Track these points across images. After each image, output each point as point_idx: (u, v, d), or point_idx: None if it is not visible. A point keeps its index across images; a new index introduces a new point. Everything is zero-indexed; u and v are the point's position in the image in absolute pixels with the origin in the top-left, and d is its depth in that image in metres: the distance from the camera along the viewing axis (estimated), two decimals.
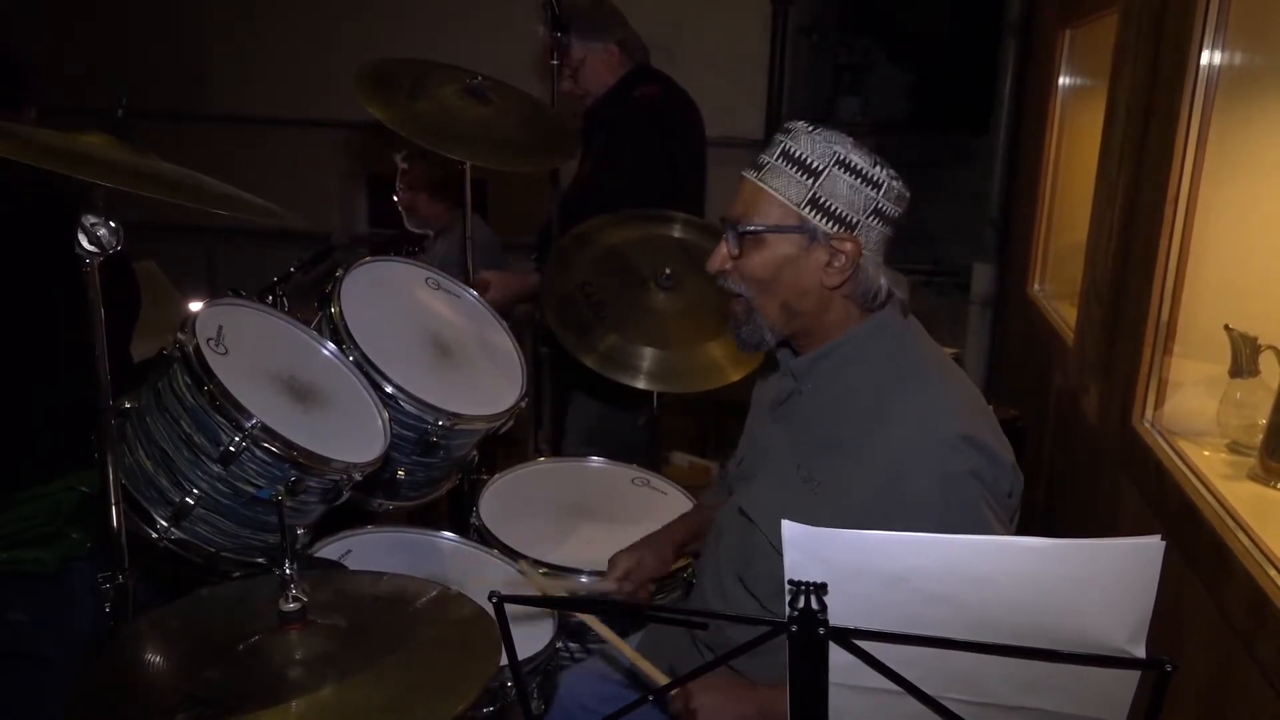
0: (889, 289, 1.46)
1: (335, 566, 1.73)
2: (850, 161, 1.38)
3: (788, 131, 1.42)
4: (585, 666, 1.77)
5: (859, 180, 1.39)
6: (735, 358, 2.38)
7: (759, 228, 1.42)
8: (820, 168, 1.38)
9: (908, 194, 1.44)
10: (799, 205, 1.39)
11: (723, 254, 1.47)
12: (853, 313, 1.47)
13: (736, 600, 1.54)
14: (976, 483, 1.35)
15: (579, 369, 2.40)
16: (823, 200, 1.39)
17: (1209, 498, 1.57)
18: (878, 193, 1.40)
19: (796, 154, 1.39)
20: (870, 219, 1.40)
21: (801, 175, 1.39)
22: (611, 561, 1.74)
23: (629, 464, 2.33)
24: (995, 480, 1.37)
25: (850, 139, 1.41)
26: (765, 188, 1.41)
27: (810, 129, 1.41)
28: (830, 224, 1.39)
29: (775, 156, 1.41)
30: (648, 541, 1.78)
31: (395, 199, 3.45)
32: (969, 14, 6.00)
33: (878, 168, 1.40)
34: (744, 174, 1.46)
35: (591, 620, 1.65)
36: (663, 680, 1.49)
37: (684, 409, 3.40)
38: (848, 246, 1.40)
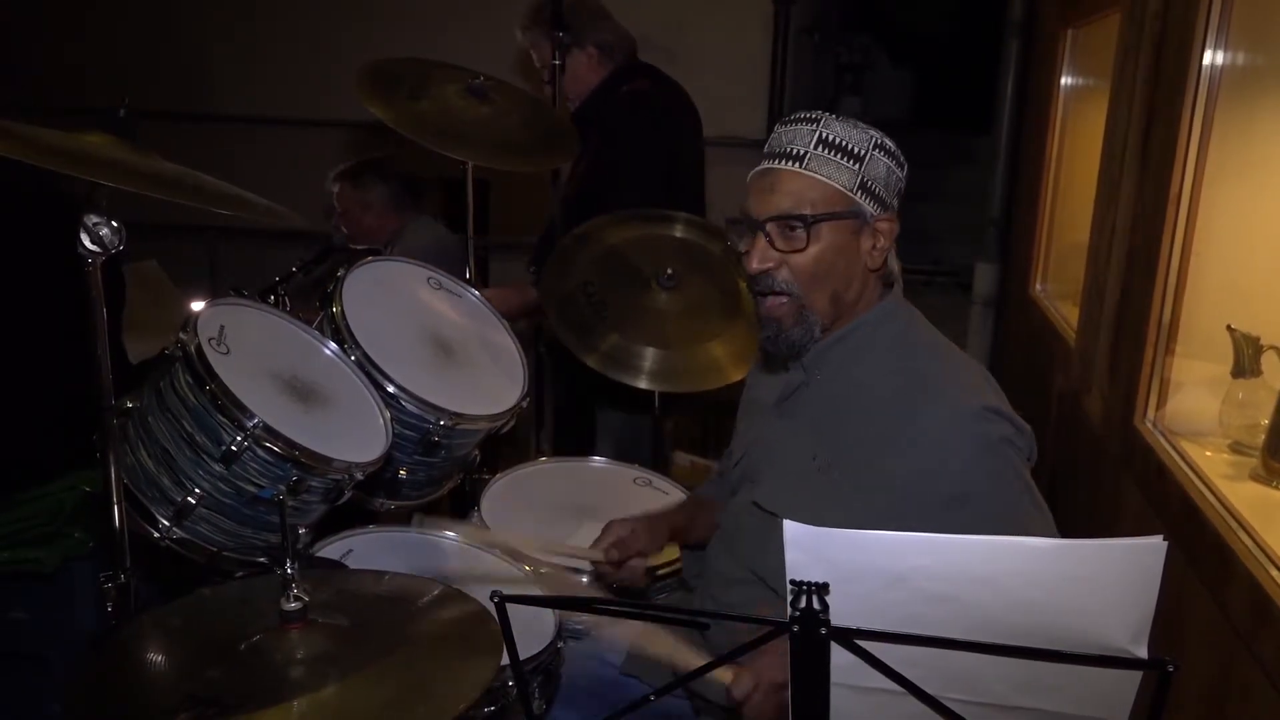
0: (897, 269, 1.52)
1: (337, 566, 1.73)
2: (885, 145, 1.44)
3: (815, 120, 1.43)
4: (580, 649, 1.76)
5: (893, 162, 1.45)
6: (737, 357, 2.38)
7: (818, 215, 1.41)
8: (863, 152, 1.42)
9: None
10: (851, 190, 1.42)
11: (767, 252, 1.44)
12: (876, 294, 1.50)
13: (746, 599, 1.54)
14: (1012, 448, 1.39)
15: (581, 372, 2.39)
16: (869, 183, 1.42)
17: (1211, 498, 1.57)
18: (903, 173, 1.47)
19: (837, 140, 1.41)
20: (895, 199, 1.46)
21: (847, 161, 1.41)
22: (605, 528, 1.72)
23: (631, 464, 2.33)
24: (1022, 445, 1.41)
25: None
26: (815, 175, 1.41)
27: (837, 116, 1.44)
28: (875, 206, 1.43)
29: (814, 145, 1.41)
30: (645, 517, 1.75)
31: (335, 225, 3.38)
32: (970, 14, 6.00)
33: (899, 152, 1.46)
34: (776, 166, 1.43)
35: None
36: (727, 679, 1.44)
37: (685, 409, 3.40)
38: (885, 226, 1.45)
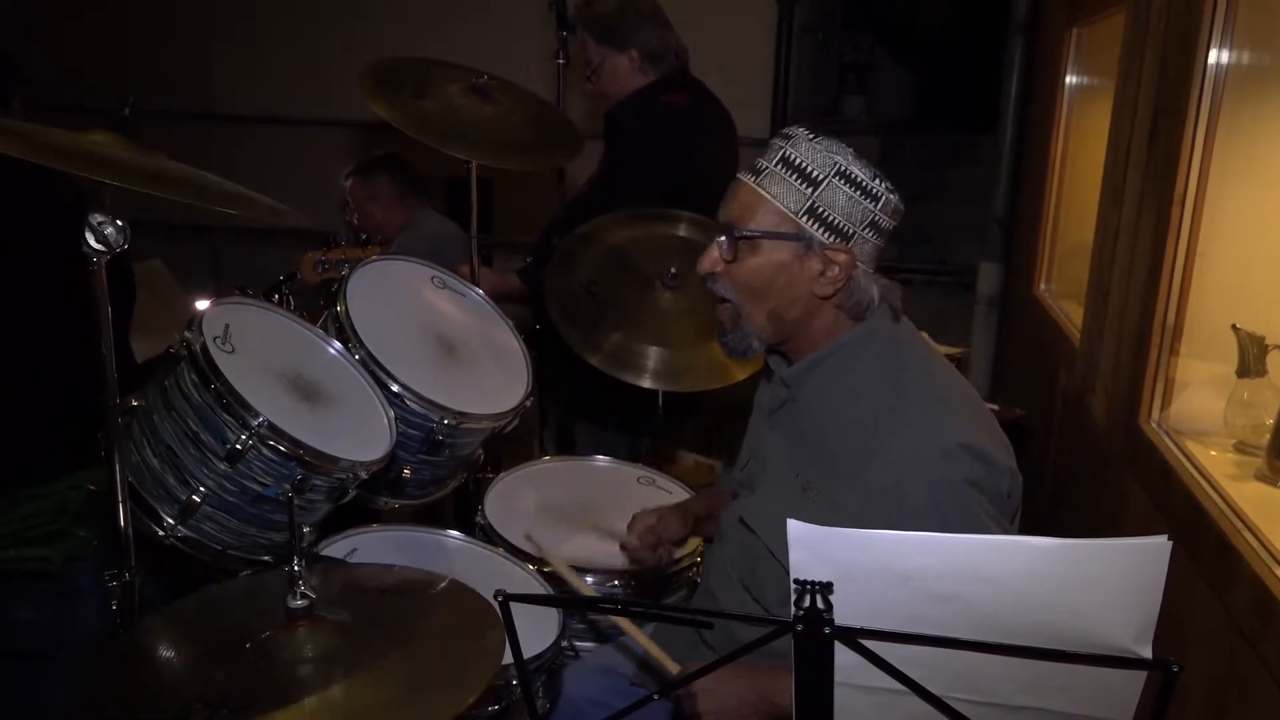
0: (880, 297, 1.45)
1: (341, 565, 1.73)
2: (850, 173, 1.39)
3: (787, 138, 1.42)
4: (591, 660, 1.77)
5: (858, 192, 1.39)
6: None
7: (754, 233, 1.41)
8: (821, 177, 1.38)
9: (903, 208, 1.44)
10: (797, 213, 1.39)
11: (714, 256, 1.46)
12: (842, 321, 1.47)
13: (744, 604, 1.54)
14: (974, 491, 1.34)
15: (566, 387, 2.39)
16: (821, 210, 1.38)
17: (1215, 498, 1.56)
18: (875, 205, 1.40)
19: (797, 161, 1.39)
20: (866, 231, 1.40)
21: (801, 183, 1.38)
22: (633, 519, 1.77)
23: (634, 463, 2.34)
24: (993, 486, 1.37)
25: (851, 150, 1.40)
26: (763, 193, 1.41)
27: (811, 136, 1.40)
28: (826, 234, 1.39)
29: (774, 163, 1.40)
30: (669, 507, 1.82)
31: (348, 221, 3.48)
32: (975, 13, 5.98)
33: (876, 180, 1.40)
34: (740, 177, 1.45)
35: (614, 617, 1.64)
36: (674, 668, 1.48)
37: (689, 408, 3.40)
38: (842, 258, 1.40)
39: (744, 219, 1.42)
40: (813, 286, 1.42)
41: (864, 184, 1.39)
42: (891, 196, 1.41)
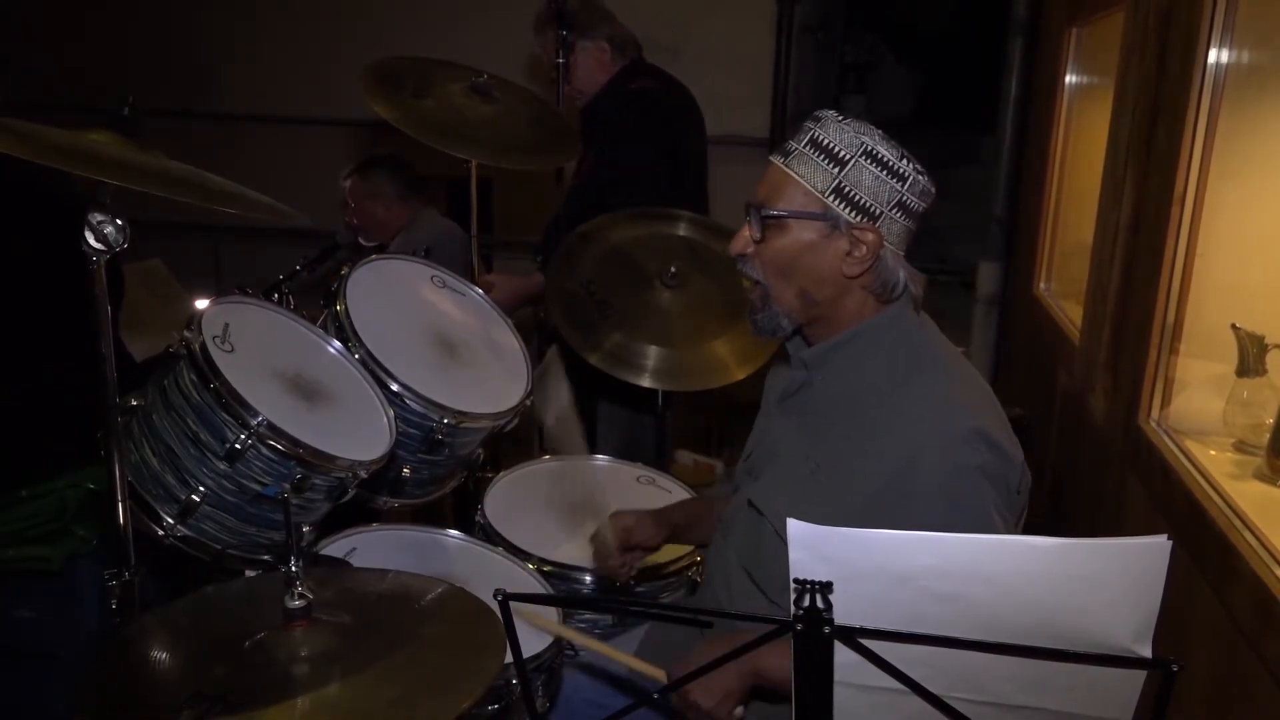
0: (906, 283, 1.47)
1: (341, 564, 1.73)
2: (877, 153, 1.40)
3: (818, 120, 1.43)
4: (590, 662, 1.77)
5: (884, 172, 1.40)
6: (740, 356, 2.38)
7: (782, 212, 1.43)
8: (847, 157, 1.40)
9: (933, 190, 1.45)
10: (823, 193, 1.40)
11: (745, 237, 1.48)
12: (869, 304, 1.48)
13: (744, 596, 1.54)
14: (984, 479, 1.35)
15: (583, 366, 2.40)
16: (847, 189, 1.40)
17: (1215, 497, 1.56)
18: (902, 185, 1.41)
19: (824, 142, 1.41)
20: (893, 211, 1.42)
21: (828, 163, 1.40)
22: (611, 517, 1.76)
23: (634, 462, 2.34)
24: (1004, 477, 1.38)
25: (880, 132, 1.42)
26: (791, 173, 1.42)
27: (840, 118, 1.42)
28: (853, 213, 1.40)
29: (804, 144, 1.42)
30: (648, 511, 1.80)
31: (347, 220, 3.50)
32: (975, 12, 5.99)
33: (904, 161, 1.41)
34: (771, 158, 1.47)
35: (575, 636, 1.61)
36: (660, 677, 1.48)
37: (689, 407, 3.40)
38: (869, 237, 1.41)
39: (772, 199, 1.44)
40: (840, 266, 1.43)
41: (891, 164, 1.40)
42: (920, 178, 1.43)
